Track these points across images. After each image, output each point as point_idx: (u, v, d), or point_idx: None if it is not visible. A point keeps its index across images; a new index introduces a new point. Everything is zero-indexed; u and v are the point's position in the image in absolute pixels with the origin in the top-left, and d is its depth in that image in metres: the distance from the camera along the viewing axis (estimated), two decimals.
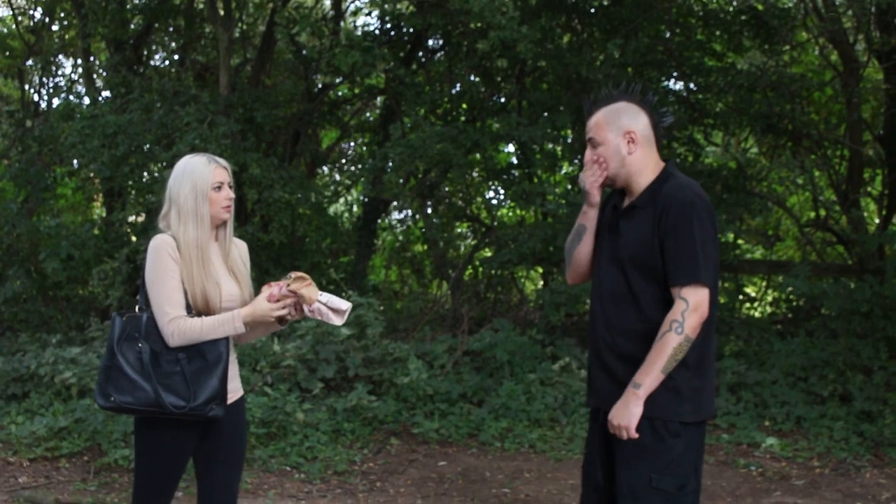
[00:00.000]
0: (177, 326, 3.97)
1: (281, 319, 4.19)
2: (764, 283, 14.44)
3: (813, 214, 14.09)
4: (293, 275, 4.12)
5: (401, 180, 12.07)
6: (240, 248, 4.40)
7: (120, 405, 3.97)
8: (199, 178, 4.13)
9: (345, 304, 4.16)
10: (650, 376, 3.79)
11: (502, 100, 13.45)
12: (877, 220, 13.82)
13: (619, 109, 4.03)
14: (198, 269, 4.06)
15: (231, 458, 4.31)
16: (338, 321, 4.14)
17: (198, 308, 4.05)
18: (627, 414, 3.83)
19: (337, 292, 11.08)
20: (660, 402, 3.84)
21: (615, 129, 3.99)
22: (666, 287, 3.87)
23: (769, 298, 14.03)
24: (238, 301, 4.19)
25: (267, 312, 4.07)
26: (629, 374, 3.88)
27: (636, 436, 3.84)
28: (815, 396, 9.95)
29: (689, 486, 3.93)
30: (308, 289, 4.09)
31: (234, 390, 4.27)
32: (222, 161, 4.25)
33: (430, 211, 13.87)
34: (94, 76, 14.39)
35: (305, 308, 4.12)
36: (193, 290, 4.04)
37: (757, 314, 13.58)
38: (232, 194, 4.22)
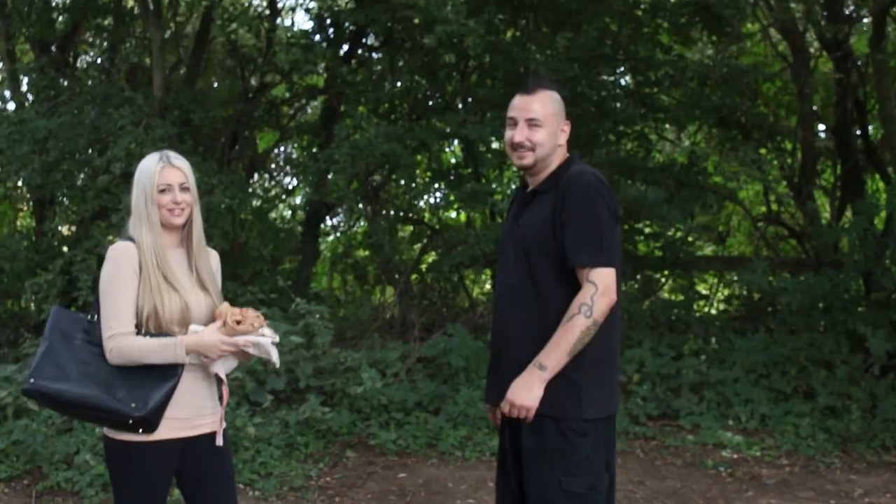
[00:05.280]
0: (116, 344, 3.70)
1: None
2: (715, 280, 14.32)
3: (764, 209, 14.03)
4: (252, 314, 3.82)
5: (339, 183, 11.74)
6: (214, 260, 4.11)
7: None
8: (147, 181, 3.87)
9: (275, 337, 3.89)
10: (555, 357, 3.68)
11: (444, 98, 13.17)
12: (827, 214, 13.79)
13: (558, 99, 3.98)
14: (155, 277, 3.77)
15: (220, 479, 4.02)
16: (275, 357, 3.87)
17: (146, 326, 3.76)
18: (529, 396, 3.71)
19: (283, 300, 10.81)
20: (561, 401, 3.74)
21: (557, 116, 3.94)
22: (566, 276, 3.77)
23: (720, 296, 13.92)
24: (206, 314, 3.88)
25: (216, 345, 3.76)
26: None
27: (531, 418, 3.74)
28: (779, 393, 9.90)
29: (601, 485, 3.83)
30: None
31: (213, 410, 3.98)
32: (177, 160, 3.93)
33: (374, 214, 13.53)
34: (20, 79, 13.82)
35: (251, 349, 3.83)
36: (144, 304, 3.75)
37: (713, 311, 13.44)
38: (181, 197, 3.88)
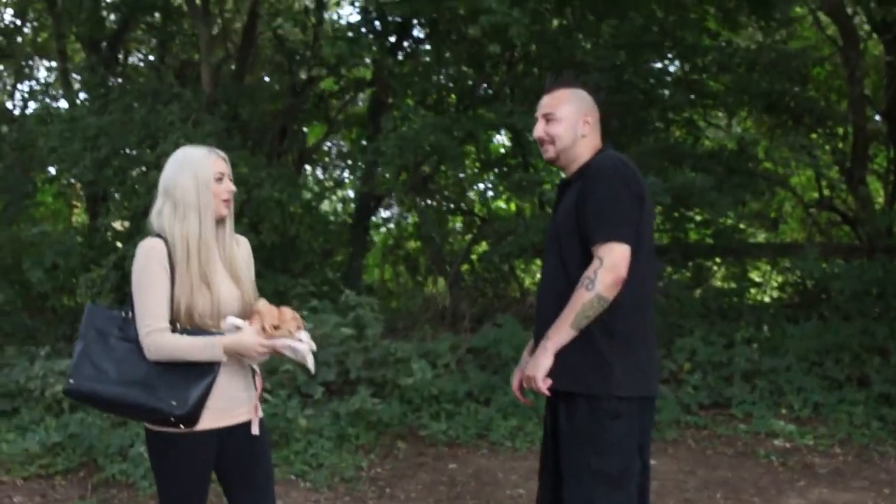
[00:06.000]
0: (154, 340, 3.69)
1: None
2: (768, 268, 14.19)
3: (816, 195, 13.88)
4: (289, 317, 3.83)
5: (387, 175, 11.77)
6: (243, 247, 4.08)
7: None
8: (200, 168, 3.82)
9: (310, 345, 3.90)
10: (559, 331, 3.76)
11: (491, 90, 13.17)
12: (880, 199, 13.62)
13: (580, 92, 4.10)
14: (193, 271, 3.75)
15: (258, 468, 4.03)
16: (311, 363, 3.88)
17: (181, 322, 3.76)
18: (535, 366, 3.80)
19: (334, 292, 10.85)
20: (589, 377, 3.80)
21: (576, 108, 4.04)
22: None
23: (774, 283, 13.79)
24: (238, 305, 3.88)
25: (253, 348, 3.75)
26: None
27: (543, 388, 3.79)
28: (832, 381, 9.73)
29: (633, 469, 3.86)
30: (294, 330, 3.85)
31: (249, 399, 3.99)
32: (221, 152, 3.95)
33: (424, 205, 13.54)
34: (71, 78, 13.99)
35: (287, 351, 3.83)
36: (179, 300, 3.73)
37: (766, 299, 13.31)
38: (233, 187, 3.92)
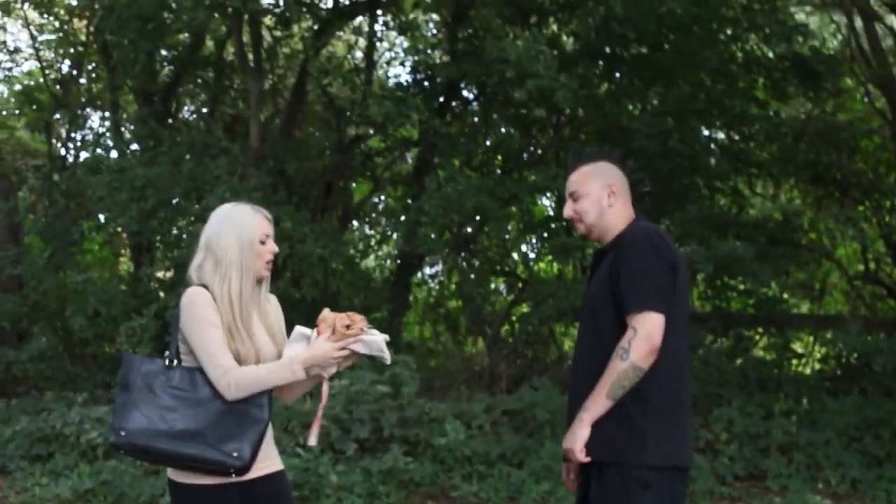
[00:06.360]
0: (232, 378, 3.66)
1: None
2: (811, 339, 14.04)
3: (862, 267, 13.76)
4: (359, 317, 3.79)
5: (432, 235, 11.80)
6: (273, 304, 4.08)
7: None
8: (246, 228, 3.82)
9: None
10: (595, 402, 3.74)
11: (539, 151, 13.22)
12: None
13: (602, 165, 4.13)
14: (237, 325, 3.75)
15: None
16: (387, 354, 3.84)
17: None
18: (572, 437, 3.78)
19: None
20: (623, 446, 3.76)
21: (600, 182, 4.07)
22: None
23: (817, 355, 13.63)
24: (273, 360, 3.85)
25: (329, 353, 3.71)
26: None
27: (583, 458, 3.76)
28: (871, 457, 9.58)
29: None
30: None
31: (274, 453, 3.97)
32: (266, 212, 3.96)
33: (465, 266, 13.55)
34: (123, 129, 14.22)
35: (360, 347, 3.77)
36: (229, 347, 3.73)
37: (806, 371, 13.17)
38: (276, 248, 3.92)
